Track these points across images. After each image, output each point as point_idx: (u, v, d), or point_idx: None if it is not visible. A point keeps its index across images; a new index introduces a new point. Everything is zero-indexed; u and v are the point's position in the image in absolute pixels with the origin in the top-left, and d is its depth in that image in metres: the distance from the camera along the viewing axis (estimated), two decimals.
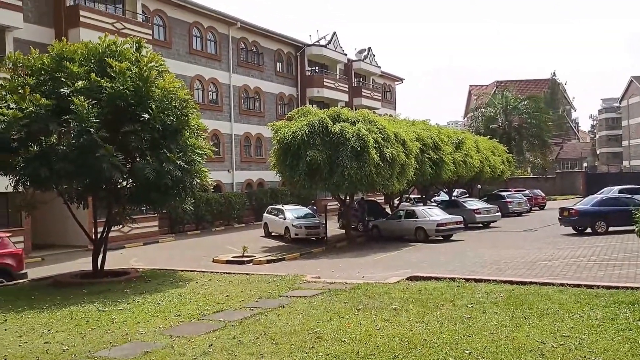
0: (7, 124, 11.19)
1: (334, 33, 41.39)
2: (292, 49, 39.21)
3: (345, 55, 43.36)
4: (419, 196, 34.19)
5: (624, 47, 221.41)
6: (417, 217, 23.01)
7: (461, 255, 17.22)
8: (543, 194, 40.71)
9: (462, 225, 23.35)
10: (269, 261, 18.42)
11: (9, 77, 12.46)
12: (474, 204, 28.78)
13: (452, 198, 33.34)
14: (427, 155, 25.13)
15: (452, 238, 22.50)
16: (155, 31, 28.10)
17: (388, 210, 29.09)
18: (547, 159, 53.31)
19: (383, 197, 32.49)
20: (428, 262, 16.28)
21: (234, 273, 13.78)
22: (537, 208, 38.19)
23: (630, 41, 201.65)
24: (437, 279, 11.33)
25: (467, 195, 37.52)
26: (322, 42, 40.55)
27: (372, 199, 32.18)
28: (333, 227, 27.17)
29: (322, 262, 17.92)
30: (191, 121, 13.27)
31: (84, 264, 16.54)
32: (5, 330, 8.33)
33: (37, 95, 11.45)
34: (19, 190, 12.94)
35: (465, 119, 75.44)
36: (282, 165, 21.66)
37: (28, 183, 12.59)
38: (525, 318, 7.80)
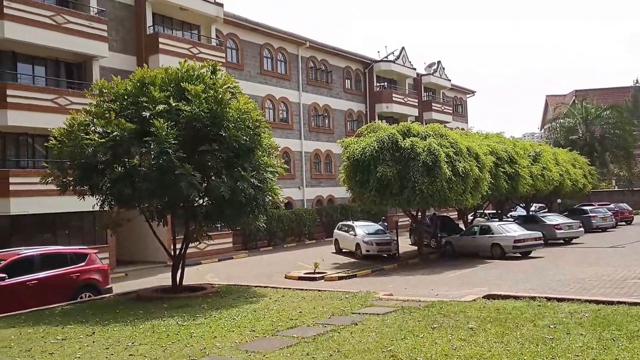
0: (95, 147, 11.91)
1: (403, 48, 41.26)
2: (361, 66, 39.41)
3: (414, 69, 43.06)
4: (494, 211, 33.10)
5: None
6: (492, 233, 22.25)
7: (541, 273, 16.44)
8: (630, 208, 38.22)
9: (542, 242, 22.31)
10: (340, 278, 18.39)
11: (96, 103, 13.27)
12: (554, 218, 27.46)
13: (530, 213, 32.00)
14: (502, 169, 24.33)
15: (530, 255, 21.56)
16: (229, 54, 29.17)
17: (462, 226, 28.35)
18: (633, 170, 50.06)
19: (456, 213, 31.74)
20: (505, 279, 15.67)
21: (306, 289, 13.86)
22: (624, 223, 35.86)
23: None
24: (516, 297, 10.87)
25: (546, 209, 35.93)
26: (391, 58, 40.52)
27: (445, 214, 31.50)
28: (405, 244, 26.78)
29: (394, 279, 17.68)
30: (263, 140, 13.59)
31: (164, 279, 17.22)
32: (93, 342, 8.78)
33: (122, 119, 12.14)
34: (105, 209, 13.69)
35: (542, 130, 72.44)
36: (352, 181, 21.68)
37: (113, 202, 13.29)
38: (614, 340, 7.31)
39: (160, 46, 24.00)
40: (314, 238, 32.12)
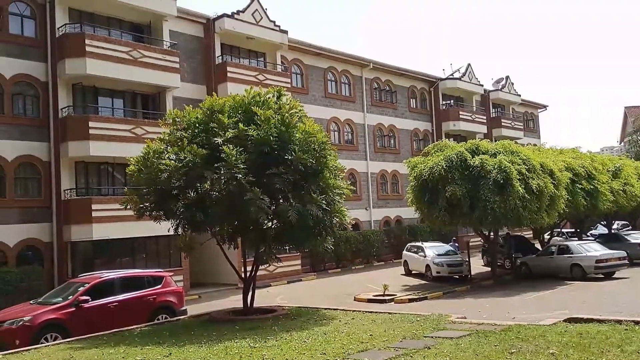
0: (169, 173, 12.44)
1: (469, 65, 40.59)
2: (426, 84, 39.08)
3: (482, 86, 42.17)
4: (573, 230, 31.52)
5: None
6: (572, 253, 21.16)
7: (627, 295, 15.43)
8: None
9: (626, 262, 20.98)
10: (410, 300, 18.04)
11: (169, 132, 13.88)
12: (638, 237, 25.79)
13: (612, 231, 30.20)
14: (580, 186, 23.22)
15: (614, 276, 20.29)
16: (293, 79, 29.78)
17: (537, 246, 27.17)
18: None
19: (531, 232, 30.47)
20: (587, 302, 14.81)
21: (376, 312, 13.68)
22: None
23: None
24: (600, 321, 10.22)
25: (630, 227, 33.77)
26: (456, 75, 39.92)
27: (519, 234, 30.31)
28: (477, 265, 25.94)
29: (467, 301, 17.13)
30: (329, 162, 13.68)
31: (235, 301, 17.53)
32: None
33: (194, 146, 12.61)
34: (179, 233, 14.18)
35: (622, 143, 68.59)
36: (420, 201, 21.37)
37: (186, 226, 13.75)
38: None
39: (229, 74, 24.88)
40: (382, 260, 31.75)
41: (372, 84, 34.99)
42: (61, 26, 20.51)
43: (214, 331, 11.75)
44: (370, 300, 18.13)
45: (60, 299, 13.10)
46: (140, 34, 23.08)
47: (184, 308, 14.99)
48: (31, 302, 13.91)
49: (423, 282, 22.76)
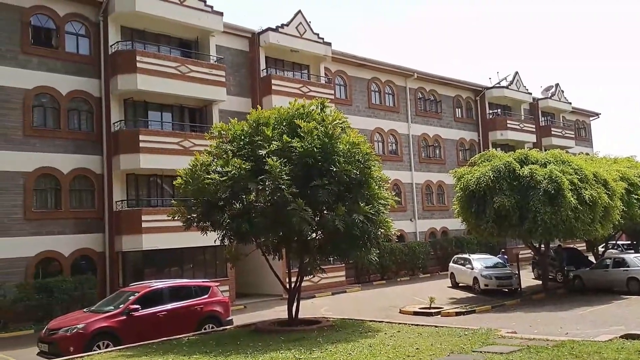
0: (215, 185, 12.66)
1: (516, 73, 39.76)
2: (471, 94, 38.49)
3: (530, 94, 41.20)
4: (629, 242, 30.21)
5: None
6: (628, 266, 20.28)
7: None
8: None
9: None
10: (458, 313, 17.66)
11: (216, 145, 14.15)
12: None
13: None
14: (635, 196, 22.31)
15: None
16: (337, 90, 29.90)
17: (591, 258, 26.15)
18: None
19: (584, 244, 29.40)
20: None
21: (422, 325, 13.46)
22: None
23: None
24: None
25: None
26: (504, 84, 39.16)
27: (571, 246, 29.27)
28: (527, 278, 25.18)
29: (517, 315, 16.63)
30: (374, 173, 13.63)
31: (280, 312, 17.61)
32: None
33: (239, 159, 12.81)
34: (225, 243, 14.39)
35: None
36: (466, 212, 20.99)
37: (232, 237, 13.93)
38: None
39: (273, 87, 25.22)
40: (428, 272, 31.25)
41: (416, 94, 34.73)
42: (114, 44, 21.33)
43: (259, 342, 11.82)
44: (416, 313, 17.86)
45: (112, 308, 13.48)
46: (188, 49, 23.73)
47: (230, 318, 15.15)
48: (84, 310, 14.38)
49: (470, 295, 22.25)
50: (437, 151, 35.71)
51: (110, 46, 21.30)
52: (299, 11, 27.15)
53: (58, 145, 20.29)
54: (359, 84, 31.37)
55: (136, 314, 13.18)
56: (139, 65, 20.74)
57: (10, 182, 19.06)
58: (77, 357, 11.34)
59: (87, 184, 21.05)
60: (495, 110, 39.80)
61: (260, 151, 12.83)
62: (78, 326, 12.56)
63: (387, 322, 14.06)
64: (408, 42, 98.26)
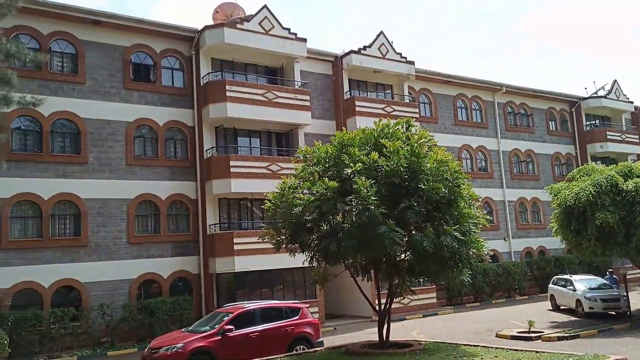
0: (303, 206, 12.84)
1: (615, 81, 37.39)
2: (566, 105, 36.63)
3: (631, 103, 38.50)
4: None
5: None
6: None
7: None
8: None
9: None
10: (560, 338, 16.58)
11: (302, 168, 14.40)
12: None
13: None
14: None
15: None
16: (422, 108, 29.57)
17: None
18: None
19: None
20: None
21: (521, 350, 12.74)
22: None
23: None
24: None
25: None
26: (601, 93, 36.92)
27: None
28: (637, 300, 23.22)
29: (627, 340, 15.35)
30: (463, 191, 13.23)
31: (371, 334, 17.40)
32: None
33: (325, 179, 12.92)
34: (313, 265, 14.49)
35: None
36: (565, 230, 19.83)
37: (320, 258, 14.00)
38: None
39: (357, 108, 25.40)
40: (525, 293, 29.67)
41: (505, 108, 33.56)
42: (205, 75, 22.51)
43: None
44: (514, 337, 16.95)
45: (208, 328, 13.97)
46: (273, 76, 24.54)
47: (320, 339, 15.17)
48: (182, 330, 15.02)
49: (573, 318, 20.84)
50: (530, 166, 34.16)
51: (202, 77, 22.50)
52: (381, 32, 27.29)
53: (156, 172, 21.57)
54: (445, 101, 30.84)
55: (230, 334, 13.57)
56: (228, 94, 21.72)
57: (116, 209, 20.48)
58: None
59: (182, 208, 22.14)
60: (593, 122, 37.55)
61: (346, 170, 12.87)
62: (177, 345, 13.13)
63: (483, 347, 13.46)
64: (491, 55, 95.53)
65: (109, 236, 20.20)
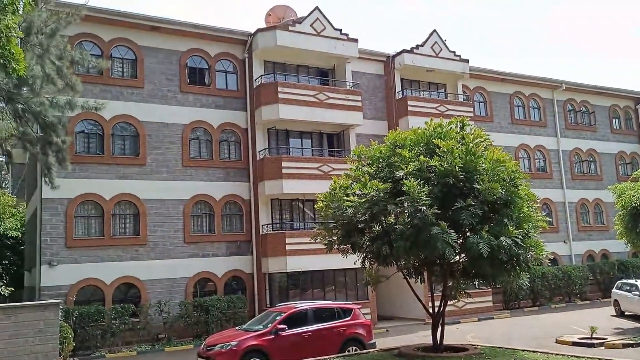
0: (355, 208, 12.78)
1: None
2: (631, 102, 34.94)
3: None
4: None
5: None
6: None
7: None
8: None
9: None
10: (625, 345, 15.76)
11: (355, 168, 14.34)
12: None
13: None
14: None
15: None
16: (476, 107, 28.89)
17: None
18: None
19: None
20: None
21: (582, 357, 12.22)
22: None
23: None
24: None
25: None
26: None
27: None
28: None
29: None
30: (521, 191, 12.80)
31: (424, 337, 17.13)
32: None
33: (376, 181, 12.82)
34: (365, 266, 14.40)
35: None
36: (631, 233, 18.95)
37: (372, 259, 13.90)
38: None
39: (409, 108, 25.09)
40: (587, 298, 28.46)
41: (565, 106, 32.34)
42: (258, 77, 22.83)
43: None
44: (575, 344, 16.26)
45: (261, 327, 14.13)
46: (325, 77, 24.60)
47: (372, 341, 15.06)
48: (236, 328, 15.27)
49: (639, 325, 19.82)
50: (593, 166, 32.77)
51: (255, 80, 22.82)
52: (434, 30, 26.87)
53: (211, 174, 22.05)
54: (500, 99, 30.02)
55: (283, 333, 13.67)
56: (280, 95, 21.94)
57: (172, 209, 21.08)
58: None
59: (236, 209, 22.53)
60: None
61: (398, 172, 12.72)
62: (232, 343, 13.34)
63: (543, 352, 12.98)
64: (548, 51, 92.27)
65: (166, 235, 20.81)
